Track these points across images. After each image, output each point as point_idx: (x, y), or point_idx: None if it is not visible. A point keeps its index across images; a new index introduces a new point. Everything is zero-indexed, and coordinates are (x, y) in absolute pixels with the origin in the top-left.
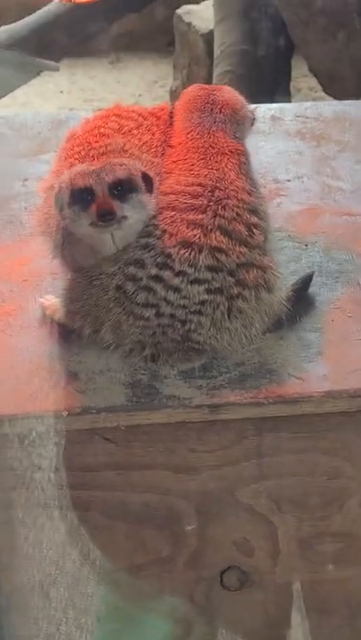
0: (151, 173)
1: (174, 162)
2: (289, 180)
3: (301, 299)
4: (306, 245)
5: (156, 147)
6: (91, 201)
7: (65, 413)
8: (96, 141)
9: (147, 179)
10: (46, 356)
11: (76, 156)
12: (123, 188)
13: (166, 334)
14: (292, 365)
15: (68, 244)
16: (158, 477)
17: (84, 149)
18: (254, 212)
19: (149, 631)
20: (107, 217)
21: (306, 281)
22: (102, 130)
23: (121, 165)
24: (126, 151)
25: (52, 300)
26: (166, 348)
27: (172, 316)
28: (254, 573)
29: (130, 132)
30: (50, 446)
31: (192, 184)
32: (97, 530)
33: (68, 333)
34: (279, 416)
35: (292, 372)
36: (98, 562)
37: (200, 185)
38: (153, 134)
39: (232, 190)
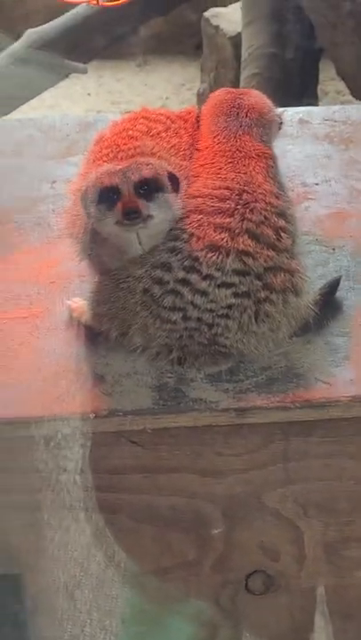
0: (178, 174)
1: (202, 165)
2: (317, 184)
3: (329, 303)
4: (333, 249)
5: (184, 150)
6: (117, 200)
7: (92, 416)
8: (124, 144)
9: (173, 179)
10: (73, 358)
11: (105, 159)
12: (149, 188)
13: (193, 338)
14: (320, 370)
15: (95, 246)
16: (185, 481)
17: (112, 152)
18: (282, 215)
19: (174, 634)
20: (132, 215)
21: (333, 285)
22: (131, 132)
23: (147, 165)
24: (155, 154)
25: (80, 303)
26: (193, 352)
27: (199, 319)
28: (280, 578)
29: (158, 134)
30: (76, 448)
31: (219, 187)
32: (124, 532)
33: (94, 336)
34: (306, 420)
35: (319, 376)
36: (123, 564)
37: (227, 188)
38: (181, 137)
39: (260, 194)
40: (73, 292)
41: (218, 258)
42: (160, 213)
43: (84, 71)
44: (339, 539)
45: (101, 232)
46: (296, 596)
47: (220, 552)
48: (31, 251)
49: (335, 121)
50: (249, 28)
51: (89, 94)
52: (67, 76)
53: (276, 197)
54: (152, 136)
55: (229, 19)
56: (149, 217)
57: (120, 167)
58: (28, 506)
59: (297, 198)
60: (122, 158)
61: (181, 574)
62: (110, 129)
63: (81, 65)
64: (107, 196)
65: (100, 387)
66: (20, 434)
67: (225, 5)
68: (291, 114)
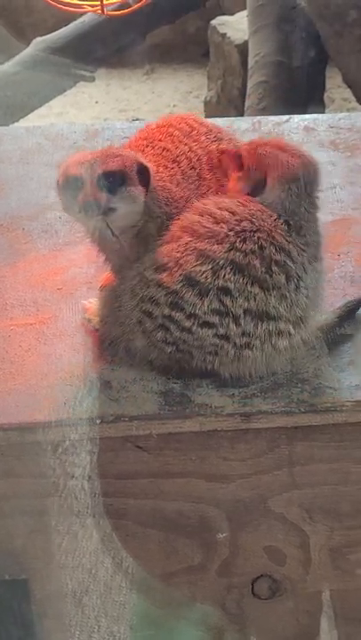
0: (154, 167)
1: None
2: (322, 191)
3: (347, 321)
4: (339, 255)
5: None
6: (80, 189)
7: (98, 421)
8: (160, 139)
9: (142, 172)
10: (80, 364)
11: (135, 149)
12: (114, 180)
13: (189, 364)
14: (324, 375)
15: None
16: (191, 485)
17: (144, 142)
18: (283, 250)
19: (181, 638)
20: (91, 207)
21: (352, 308)
22: (171, 129)
23: (115, 157)
24: (178, 162)
25: (95, 304)
26: (190, 372)
27: (190, 353)
28: (286, 582)
29: (197, 137)
30: (83, 454)
31: (225, 208)
32: (130, 537)
33: (103, 340)
34: (311, 425)
35: (323, 381)
36: (130, 569)
37: (231, 211)
38: (219, 146)
39: (264, 226)
40: (80, 298)
41: (197, 296)
42: (123, 206)
43: (92, 79)
44: (344, 543)
45: (71, 218)
46: (302, 600)
47: (225, 556)
48: (38, 258)
49: (340, 128)
50: (256, 36)
51: (96, 102)
52: (74, 84)
53: (285, 239)
54: (191, 137)
55: (236, 27)
56: (110, 209)
57: (89, 157)
58: (35, 511)
59: None
60: (147, 153)
61: (187, 579)
62: (158, 120)
63: (88, 73)
64: (73, 184)
65: (107, 392)
66: (27, 439)
67: (232, 14)
68: (297, 121)
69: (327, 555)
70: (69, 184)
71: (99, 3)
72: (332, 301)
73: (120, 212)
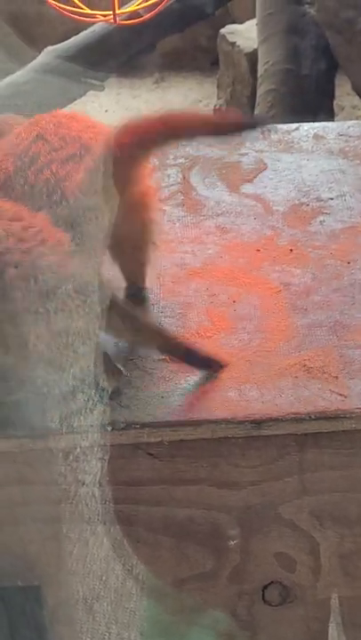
0: None
1: None
2: (331, 199)
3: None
4: (348, 263)
5: None
6: None
7: (109, 428)
8: None
9: None
10: (90, 370)
11: None
12: None
13: None
14: (334, 382)
15: None
16: (202, 492)
17: None
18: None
19: None
20: None
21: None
22: None
23: None
24: None
25: None
26: None
27: None
28: (296, 589)
29: None
30: (94, 461)
31: None
32: (141, 544)
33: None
34: (321, 432)
35: (333, 388)
36: (141, 576)
37: None
38: None
39: None
40: None
41: None
42: None
43: (102, 88)
44: (354, 550)
45: None
46: (312, 607)
47: (236, 563)
48: None
49: (350, 136)
50: (265, 45)
51: (106, 111)
52: (84, 92)
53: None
54: None
55: (245, 35)
56: None
57: None
58: (47, 518)
59: (312, 213)
60: None
61: (198, 585)
62: None
63: (98, 82)
64: None
65: (118, 399)
66: (39, 446)
67: (241, 22)
68: (306, 129)
69: (337, 561)
70: None
71: (111, 13)
72: (341, 309)
73: None
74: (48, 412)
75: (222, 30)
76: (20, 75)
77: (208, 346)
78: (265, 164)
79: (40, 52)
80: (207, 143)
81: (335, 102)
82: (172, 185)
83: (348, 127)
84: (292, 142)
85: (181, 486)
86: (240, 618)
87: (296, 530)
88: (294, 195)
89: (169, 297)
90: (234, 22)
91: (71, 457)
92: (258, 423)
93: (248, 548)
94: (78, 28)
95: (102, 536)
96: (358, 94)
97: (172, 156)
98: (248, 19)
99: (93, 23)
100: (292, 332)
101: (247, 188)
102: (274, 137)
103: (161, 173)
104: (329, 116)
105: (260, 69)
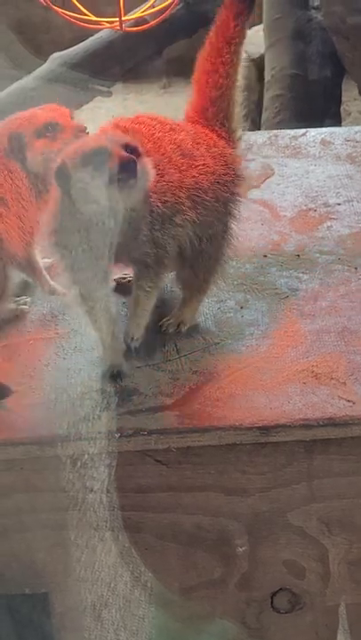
0: None
1: None
2: (339, 204)
3: None
4: (356, 268)
5: None
6: (105, 163)
7: (117, 435)
8: None
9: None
10: (98, 378)
11: None
12: (133, 152)
13: None
14: (342, 388)
15: None
16: (209, 499)
17: None
18: None
19: None
20: (129, 168)
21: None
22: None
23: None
24: None
25: None
26: None
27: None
28: (305, 596)
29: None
30: (102, 468)
31: None
32: (149, 551)
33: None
34: (329, 438)
35: (342, 394)
36: (149, 583)
37: None
38: None
39: None
40: None
41: None
42: (143, 177)
43: (109, 94)
44: None
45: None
46: (321, 614)
47: (245, 570)
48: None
49: (357, 141)
50: (272, 50)
51: (113, 117)
52: (91, 99)
53: None
54: None
55: (252, 41)
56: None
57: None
58: (55, 525)
59: (319, 218)
60: None
61: (207, 593)
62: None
63: (105, 88)
64: (96, 158)
65: (125, 406)
66: (47, 453)
67: (248, 27)
68: (313, 134)
69: (346, 568)
70: (90, 159)
71: (117, 19)
72: (349, 315)
73: (140, 183)
74: None
75: None
76: (26, 81)
77: (216, 352)
78: (272, 169)
79: (46, 59)
80: None
81: (342, 107)
82: None
83: (356, 132)
84: (300, 148)
85: (189, 493)
86: (249, 625)
87: (305, 537)
88: (302, 200)
89: None
90: None
91: (79, 464)
92: (266, 430)
93: (256, 555)
94: (85, 34)
95: (110, 543)
96: None
97: None
98: (255, 24)
99: (100, 30)
100: (300, 338)
101: (255, 194)
102: (281, 142)
103: None
104: (336, 121)
105: (268, 75)
